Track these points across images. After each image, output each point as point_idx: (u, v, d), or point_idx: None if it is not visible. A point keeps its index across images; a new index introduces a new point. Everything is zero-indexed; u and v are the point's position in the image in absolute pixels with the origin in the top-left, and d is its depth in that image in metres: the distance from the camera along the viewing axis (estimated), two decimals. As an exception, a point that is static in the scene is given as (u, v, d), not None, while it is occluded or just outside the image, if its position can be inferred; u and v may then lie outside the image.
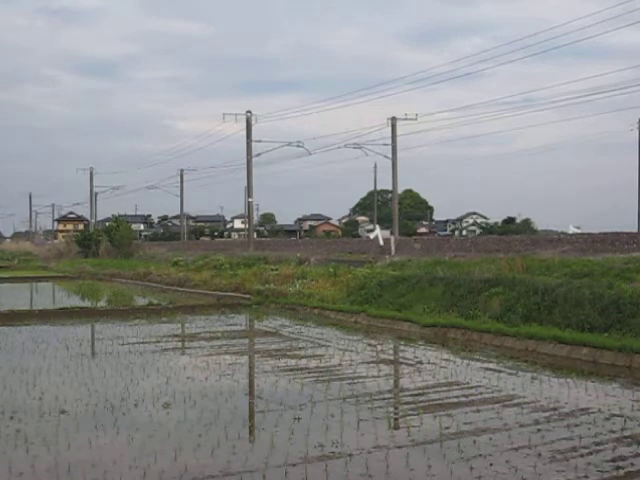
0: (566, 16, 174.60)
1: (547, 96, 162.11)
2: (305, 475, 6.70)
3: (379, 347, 15.31)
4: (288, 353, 14.23)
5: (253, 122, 47.51)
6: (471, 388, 10.68)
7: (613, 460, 7.14)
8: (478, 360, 13.36)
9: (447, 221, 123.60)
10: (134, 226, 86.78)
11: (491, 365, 12.84)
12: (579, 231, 36.54)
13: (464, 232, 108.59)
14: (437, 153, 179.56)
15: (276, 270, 29.05)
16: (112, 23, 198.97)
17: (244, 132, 47.83)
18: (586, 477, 6.67)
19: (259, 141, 48.35)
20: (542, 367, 12.71)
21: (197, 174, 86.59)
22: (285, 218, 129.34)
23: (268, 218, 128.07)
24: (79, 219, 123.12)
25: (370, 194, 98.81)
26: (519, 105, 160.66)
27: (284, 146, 49.27)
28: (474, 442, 7.74)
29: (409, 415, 9.08)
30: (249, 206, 49.96)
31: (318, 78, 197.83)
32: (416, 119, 46.74)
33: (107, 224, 64.94)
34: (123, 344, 15.37)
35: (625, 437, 8.01)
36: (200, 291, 29.26)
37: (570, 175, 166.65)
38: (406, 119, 46.31)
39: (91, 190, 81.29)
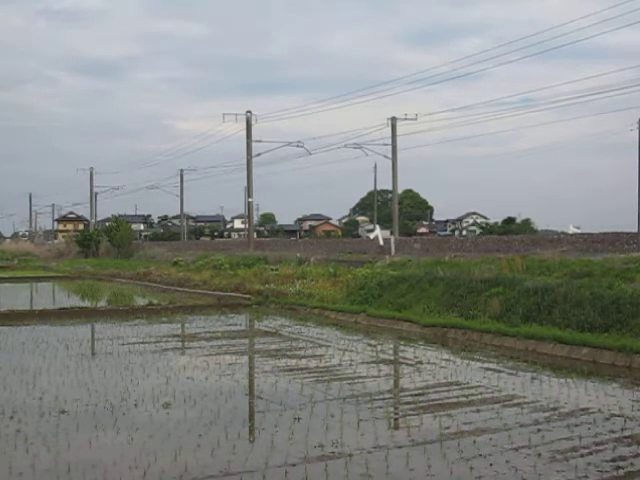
0: (565, 17, 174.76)
1: (547, 96, 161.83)
2: (305, 475, 6.70)
3: (379, 347, 15.30)
4: (288, 353, 14.23)
5: (253, 122, 47.47)
6: (471, 388, 10.68)
7: (613, 460, 7.14)
8: (478, 360, 13.35)
9: (447, 221, 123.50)
10: (134, 226, 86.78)
11: (491, 365, 12.84)
12: (579, 231, 36.41)
13: (464, 232, 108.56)
14: (437, 153, 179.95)
15: (276, 270, 29.06)
16: (113, 24, 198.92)
17: (244, 132, 47.80)
18: (586, 477, 6.67)
19: (259, 141, 48.35)
20: (542, 367, 12.71)
21: (197, 174, 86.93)
22: (285, 218, 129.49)
23: (268, 218, 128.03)
24: (79, 219, 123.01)
25: (370, 194, 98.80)
26: (518, 105, 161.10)
27: (284, 146, 49.24)
28: (474, 442, 7.74)
29: (409, 415, 9.08)
30: (249, 206, 49.91)
31: (318, 78, 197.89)
32: (416, 119, 46.71)
33: (107, 224, 64.95)
34: (123, 344, 15.37)
35: (625, 437, 8.01)
36: (200, 291, 29.27)
37: (570, 175, 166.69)
38: (406, 119, 46.25)
39: (91, 190, 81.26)
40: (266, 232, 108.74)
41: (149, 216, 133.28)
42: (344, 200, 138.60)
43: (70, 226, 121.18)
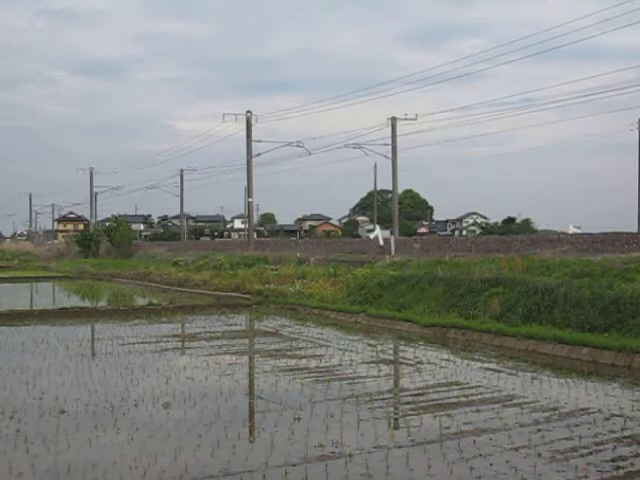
0: (565, 16, 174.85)
1: (547, 96, 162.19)
2: (305, 475, 6.70)
3: (379, 347, 15.30)
4: (288, 353, 14.23)
5: (253, 122, 47.45)
6: (471, 388, 10.68)
7: (613, 460, 7.14)
8: (478, 360, 13.35)
9: (447, 221, 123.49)
10: (134, 226, 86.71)
11: (491, 365, 12.84)
12: (579, 231, 36.41)
13: (464, 232, 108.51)
14: (437, 153, 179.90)
15: (276, 270, 29.07)
16: (113, 24, 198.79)
17: (244, 132, 47.77)
18: (586, 477, 6.66)
19: (259, 141, 48.32)
20: (542, 367, 12.70)
21: (197, 174, 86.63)
22: (285, 218, 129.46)
23: (268, 218, 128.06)
24: (79, 219, 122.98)
25: (370, 194, 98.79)
26: (519, 105, 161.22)
27: (284, 146, 49.19)
28: (474, 442, 7.74)
29: (409, 415, 9.08)
30: (249, 206, 49.89)
31: (318, 78, 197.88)
32: (416, 119, 46.65)
33: (107, 224, 64.97)
34: (123, 344, 15.37)
35: (625, 437, 8.01)
36: (200, 291, 29.27)
37: (570, 175, 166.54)
38: (406, 119, 46.21)
39: (91, 190, 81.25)
40: (266, 232, 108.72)
41: (149, 216, 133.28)
42: (344, 200, 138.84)
43: (70, 226, 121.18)
